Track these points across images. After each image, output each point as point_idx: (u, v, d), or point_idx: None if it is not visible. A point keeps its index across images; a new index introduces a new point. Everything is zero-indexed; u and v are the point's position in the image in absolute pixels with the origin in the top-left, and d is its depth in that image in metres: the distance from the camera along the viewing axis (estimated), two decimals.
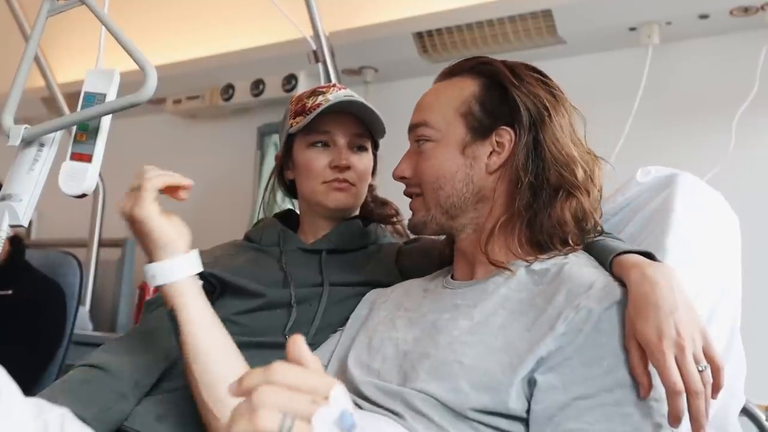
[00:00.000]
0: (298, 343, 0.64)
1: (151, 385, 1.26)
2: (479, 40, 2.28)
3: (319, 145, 1.42)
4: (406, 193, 1.21)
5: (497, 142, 1.12)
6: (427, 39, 2.37)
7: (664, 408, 0.91)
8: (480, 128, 1.12)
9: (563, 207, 1.08)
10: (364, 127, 1.44)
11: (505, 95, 1.12)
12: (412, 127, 1.18)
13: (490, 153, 1.12)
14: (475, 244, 1.14)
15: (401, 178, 1.19)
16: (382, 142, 1.51)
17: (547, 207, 1.08)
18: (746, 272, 1.25)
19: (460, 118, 1.13)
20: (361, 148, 1.44)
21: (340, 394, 0.61)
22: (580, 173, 1.09)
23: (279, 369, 0.61)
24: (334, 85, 1.47)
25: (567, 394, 0.92)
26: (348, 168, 1.40)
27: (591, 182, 1.11)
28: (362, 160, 1.44)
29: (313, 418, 0.59)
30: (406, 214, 1.57)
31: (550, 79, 1.16)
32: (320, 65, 2.35)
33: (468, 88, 1.15)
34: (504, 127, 1.11)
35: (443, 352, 1.01)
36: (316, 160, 1.41)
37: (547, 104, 1.11)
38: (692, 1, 1.97)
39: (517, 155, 1.10)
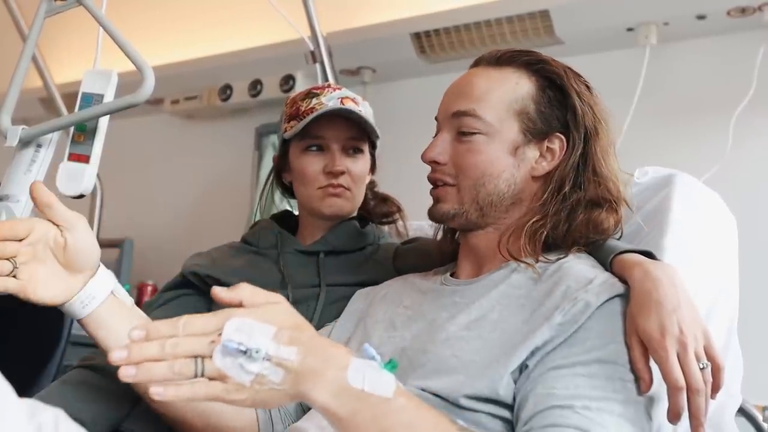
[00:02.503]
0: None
1: None
2: (477, 40, 2.28)
3: (314, 149, 1.41)
4: (433, 179, 1.14)
5: (548, 147, 1.11)
6: (425, 39, 2.37)
7: (638, 391, 0.92)
8: (534, 131, 1.10)
9: (593, 220, 1.08)
10: (359, 129, 1.42)
11: (560, 100, 1.11)
12: (456, 114, 1.11)
13: (539, 158, 1.11)
14: (492, 242, 1.13)
15: (434, 163, 1.13)
16: (380, 141, 1.51)
17: (577, 217, 1.08)
18: (743, 272, 1.25)
19: (514, 116, 1.10)
20: (357, 151, 1.43)
21: (230, 328, 0.73)
22: (617, 191, 1.10)
23: (179, 322, 0.74)
24: (328, 86, 1.46)
25: (544, 368, 0.92)
26: (342, 173, 1.40)
27: (624, 201, 1.12)
28: (357, 164, 1.43)
29: (213, 356, 0.72)
30: (408, 209, 1.57)
31: (592, 88, 1.15)
32: (318, 66, 2.35)
33: (523, 84, 1.11)
34: (558, 134, 1.10)
35: (440, 348, 1.01)
36: (310, 166, 1.41)
37: (602, 117, 1.11)
38: (689, 1, 1.97)
39: (563, 164, 1.09)
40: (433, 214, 1.16)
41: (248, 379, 0.72)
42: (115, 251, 2.96)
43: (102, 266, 1.01)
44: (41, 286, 0.95)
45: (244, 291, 0.78)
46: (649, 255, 1.04)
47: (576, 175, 1.09)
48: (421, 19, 2.36)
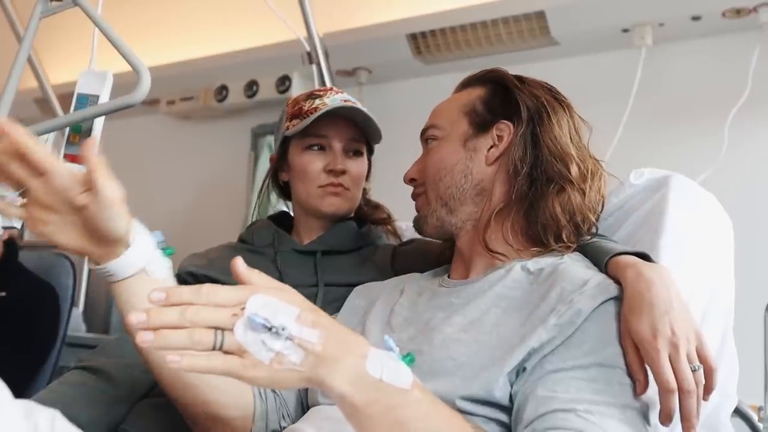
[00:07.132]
0: (238, 264, 0.76)
1: (146, 389, 1.26)
2: (473, 41, 2.28)
3: (315, 148, 1.42)
4: (412, 195, 1.23)
5: (497, 135, 1.15)
6: (421, 40, 2.37)
7: (638, 396, 0.92)
8: (481, 123, 1.16)
9: (554, 200, 1.10)
10: (360, 131, 1.44)
11: (508, 96, 1.16)
12: (423, 132, 1.23)
13: (490, 146, 1.15)
14: (474, 239, 1.15)
15: (411, 181, 1.23)
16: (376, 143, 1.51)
17: (540, 198, 1.10)
18: (739, 273, 1.26)
19: (464, 115, 1.18)
20: (357, 153, 1.45)
21: (255, 302, 0.72)
22: (573, 169, 1.11)
23: (202, 290, 0.72)
24: (331, 89, 1.47)
25: (543, 371, 0.93)
26: (343, 172, 1.41)
27: (585, 182, 1.12)
28: (357, 165, 1.44)
29: (234, 328, 0.71)
30: (402, 218, 1.58)
31: (558, 91, 1.19)
32: (314, 66, 2.35)
33: (476, 92, 1.20)
34: (504, 121, 1.15)
35: (437, 350, 1.02)
36: (311, 164, 1.42)
37: (546, 104, 1.14)
38: (685, 2, 1.98)
39: (514, 147, 1.13)
40: (414, 225, 1.23)
41: (268, 357, 0.71)
42: None
43: (135, 246, 0.95)
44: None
45: (259, 275, 0.77)
46: (644, 257, 1.04)
47: (528, 157, 1.12)
48: (417, 20, 2.37)
